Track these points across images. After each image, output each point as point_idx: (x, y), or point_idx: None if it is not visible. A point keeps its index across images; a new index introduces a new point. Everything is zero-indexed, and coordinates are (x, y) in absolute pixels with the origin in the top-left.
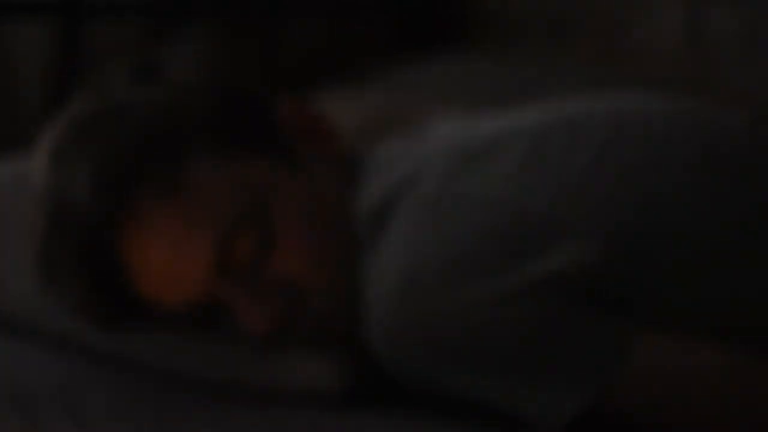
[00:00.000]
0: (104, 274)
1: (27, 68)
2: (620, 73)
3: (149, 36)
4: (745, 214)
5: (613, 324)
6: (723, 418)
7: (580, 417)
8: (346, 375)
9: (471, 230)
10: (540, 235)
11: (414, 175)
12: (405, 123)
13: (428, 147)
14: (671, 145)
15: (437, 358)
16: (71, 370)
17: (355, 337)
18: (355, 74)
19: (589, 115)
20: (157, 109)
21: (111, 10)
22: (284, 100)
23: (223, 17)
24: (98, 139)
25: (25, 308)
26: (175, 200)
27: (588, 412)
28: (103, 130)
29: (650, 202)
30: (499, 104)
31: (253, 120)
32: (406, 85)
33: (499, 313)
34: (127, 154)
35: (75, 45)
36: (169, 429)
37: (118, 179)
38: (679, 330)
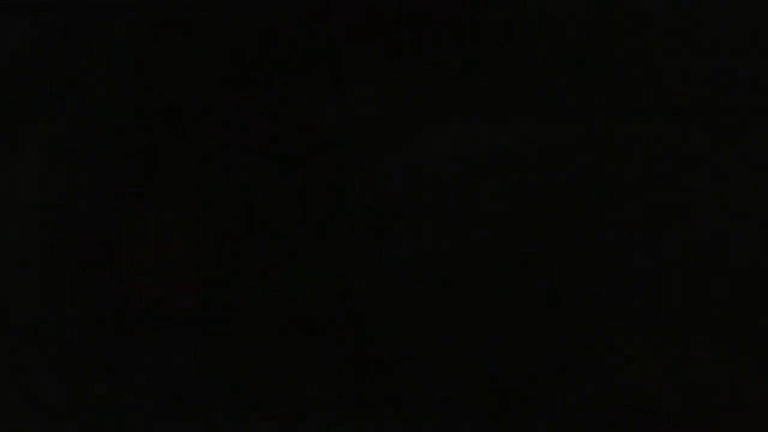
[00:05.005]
0: (104, 282)
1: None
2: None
3: (144, 35)
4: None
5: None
6: (721, 419)
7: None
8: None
9: None
10: None
11: (416, 188)
12: (403, 124)
13: (429, 159)
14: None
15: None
16: (72, 370)
17: (353, 337)
18: (353, 74)
19: (589, 134)
20: (149, 113)
21: (110, 8)
22: (279, 102)
23: (221, 17)
24: (92, 147)
25: (26, 312)
26: (171, 205)
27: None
28: (96, 137)
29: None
30: (499, 104)
31: (248, 122)
32: (407, 84)
33: None
34: (121, 162)
35: (75, 44)
36: (170, 429)
37: (115, 189)
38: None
